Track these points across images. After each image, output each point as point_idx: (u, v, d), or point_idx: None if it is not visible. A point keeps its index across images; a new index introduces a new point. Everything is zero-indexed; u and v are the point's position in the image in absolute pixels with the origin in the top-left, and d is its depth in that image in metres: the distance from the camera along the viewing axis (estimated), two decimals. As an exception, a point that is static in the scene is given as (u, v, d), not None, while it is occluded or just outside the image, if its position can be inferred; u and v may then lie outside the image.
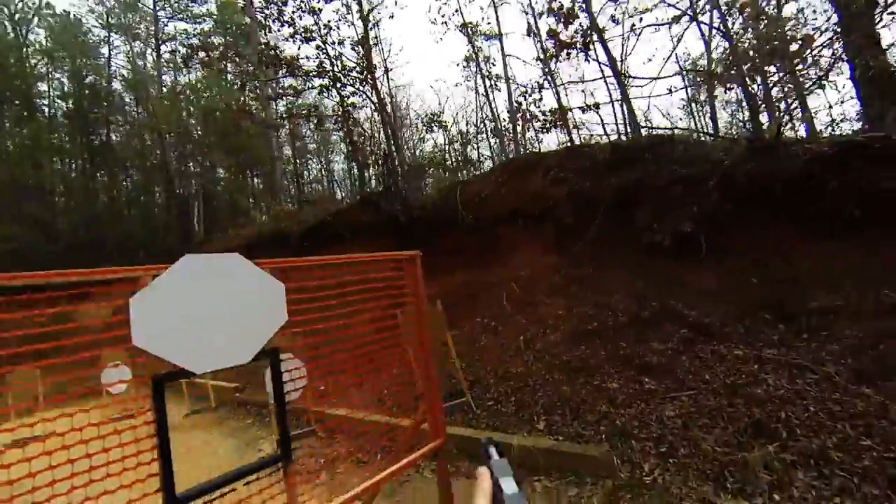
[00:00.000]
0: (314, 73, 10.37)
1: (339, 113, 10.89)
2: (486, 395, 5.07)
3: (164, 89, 27.92)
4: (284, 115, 11.48)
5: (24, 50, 25.53)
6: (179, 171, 24.35)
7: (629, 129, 9.07)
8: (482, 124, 17.50)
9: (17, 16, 25.30)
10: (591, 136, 8.79)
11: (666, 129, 8.31)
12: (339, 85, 10.58)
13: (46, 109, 25.80)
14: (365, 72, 10.46)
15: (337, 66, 10.38)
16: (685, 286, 5.20)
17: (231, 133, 20.08)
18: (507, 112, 11.47)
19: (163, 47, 27.61)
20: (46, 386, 6.01)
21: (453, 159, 17.12)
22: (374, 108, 11.04)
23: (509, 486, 0.41)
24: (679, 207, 5.54)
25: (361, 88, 10.68)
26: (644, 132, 8.44)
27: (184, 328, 1.76)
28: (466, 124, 19.42)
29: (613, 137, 8.79)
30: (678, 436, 3.48)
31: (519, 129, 11.04)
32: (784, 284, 4.64)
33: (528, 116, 9.07)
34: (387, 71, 11.98)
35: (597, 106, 7.88)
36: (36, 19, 26.01)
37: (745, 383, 3.67)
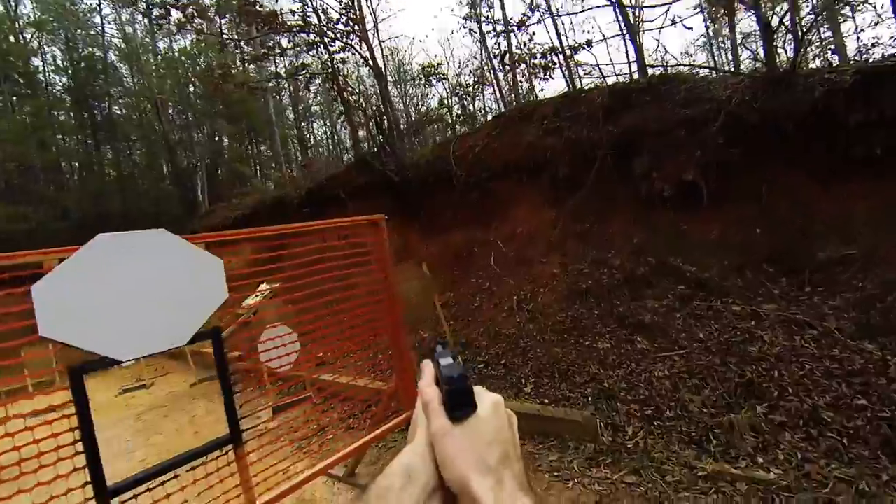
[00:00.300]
0: (297, 28, 9.79)
1: (329, 71, 10.37)
2: (476, 358, 5.00)
3: (160, 57, 27.26)
4: (270, 77, 10.98)
5: (16, 24, 24.98)
6: (181, 142, 24.16)
7: (638, 70, 8.39)
8: (486, 74, 16.59)
9: (2, -13, 24.53)
10: (603, 80, 8.13)
11: (674, 65, 7.61)
12: (325, 40, 10.00)
13: (44, 85, 25.52)
14: (351, 23, 9.83)
15: (322, 19, 9.77)
16: (686, 239, 4.90)
17: (230, 101, 19.59)
18: (496, 58, 10.70)
19: (155, 12, 26.65)
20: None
21: (453, 114, 16.44)
22: (364, 62, 10.49)
23: (446, 360, 0.47)
24: (681, 153, 5.13)
25: (349, 42, 10.09)
26: (653, 72, 7.78)
27: (103, 313, 1.62)
28: (471, 75, 18.51)
29: (623, 80, 8.13)
30: (665, 397, 3.35)
31: (512, 75, 10.31)
32: (792, 234, 4.30)
33: (516, 59, 8.37)
34: (376, 23, 11.25)
35: (589, 44, 7.15)
36: (21, -11, 25.21)
37: (739, 341, 3.47)
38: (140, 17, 27.38)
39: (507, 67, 10.88)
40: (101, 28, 27.37)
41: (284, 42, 10.54)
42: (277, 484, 2.34)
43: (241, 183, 20.59)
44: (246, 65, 11.39)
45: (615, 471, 2.90)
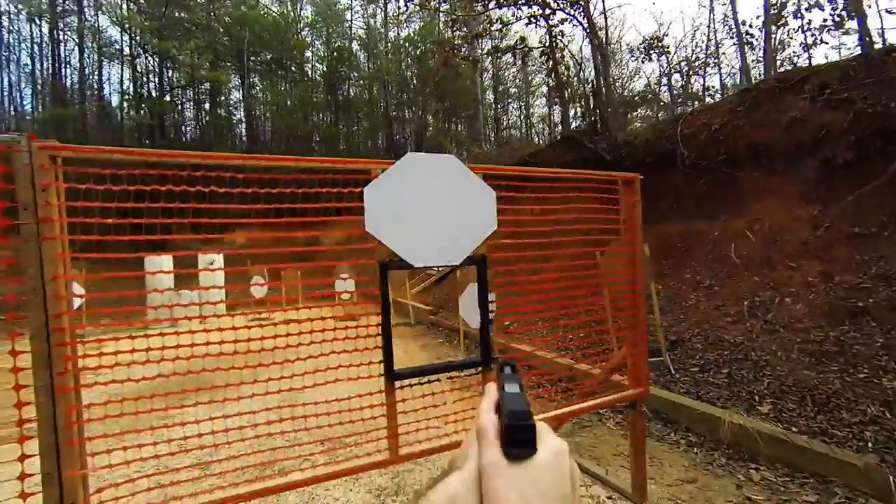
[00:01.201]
0: (522, 1, 9.88)
1: (546, 44, 10.25)
2: (689, 359, 4.40)
3: (389, 45, 31.62)
4: (489, 52, 11.43)
5: (297, 25, 31.95)
6: (397, 118, 27.59)
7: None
8: (713, 48, 14.27)
9: (292, -4, 31.53)
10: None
11: None
12: (547, 12, 9.88)
13: (309, 72, 32.12)
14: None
15: (546, -11, 9.64)
16: None
17: (442, 81, 21.52)
18: (747, 25, 8.74)
19: (389, 6, 30.96)
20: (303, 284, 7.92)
21: (670, 94, 14.58)
22: (584, 33, 10.02)
23: (512, 388, 0.43)
24: None
25: (572, 12, 9.74)
26: None
27: (407, 222, 1.88)
28: (695, 48, 16.19)
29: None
30: None
31: (766, 38, 8.30)
32: None
33: (780, 17, 6.51)
34: (601, -10, 10.57)
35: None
36: (303, -3, 32.01)
37: None
38: (379, 10, 32.10)
39: (762, 31, 8.94)
40: (350, 23, 33.05)
41: (509, 14, 10.77)
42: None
43: (442, 157, 22.55)
44: (467, 42, 12.19)
45: (918, 544, 2.16)
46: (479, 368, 2.27)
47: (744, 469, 2.96)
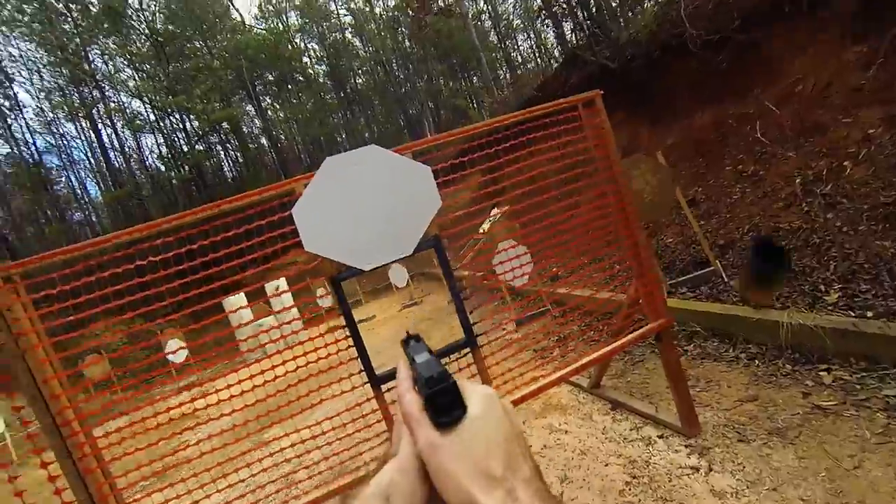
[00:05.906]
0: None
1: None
2: (742, 261, 3.99)
3: (380, 22, 30.77)
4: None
5: (288, 33, 32.07)
6: (407, 92, 27.06)
7: None
8: None
9: (279, 4, 31.55)
10: None
11: None
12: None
13: (312, 74, 32.27)
14: None
15: None
16: None
17: (439, 38, 20.61)
18: None
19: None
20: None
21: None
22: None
23: (421, 357, 0.41)
24: None
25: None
26: None
27: (345, 228, 1.83)
28: None
29: None
30: None
31: None
32: None
33: None
34: None
35: None
36: (287, 4, 31.94)
37: None
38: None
39: None
40: (336, 13, 32.51)
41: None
42: (522, 386, 2.40)
43: (461, 117, 21.89)
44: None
45: None
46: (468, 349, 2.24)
47: (812, 373, 2.67)
